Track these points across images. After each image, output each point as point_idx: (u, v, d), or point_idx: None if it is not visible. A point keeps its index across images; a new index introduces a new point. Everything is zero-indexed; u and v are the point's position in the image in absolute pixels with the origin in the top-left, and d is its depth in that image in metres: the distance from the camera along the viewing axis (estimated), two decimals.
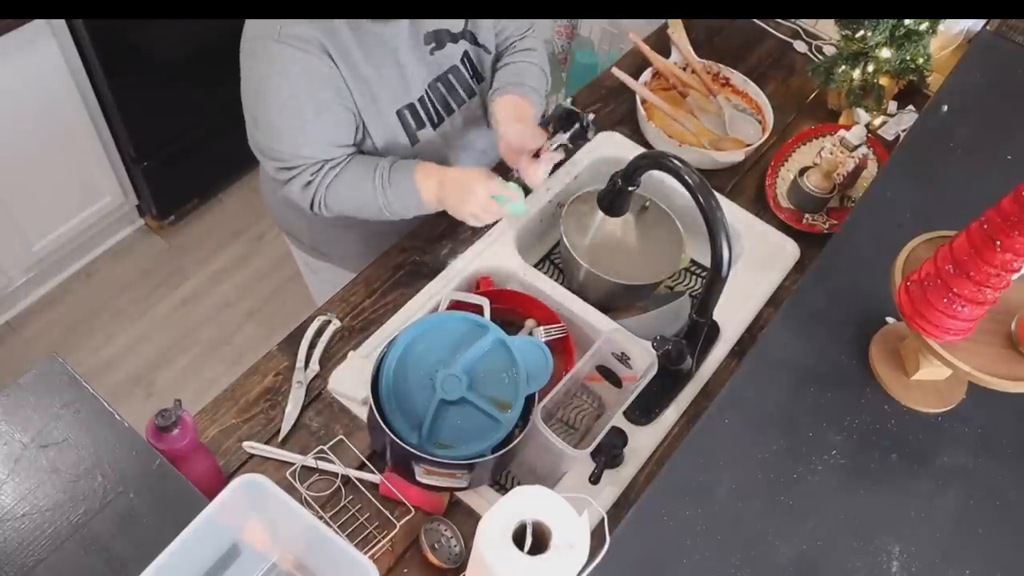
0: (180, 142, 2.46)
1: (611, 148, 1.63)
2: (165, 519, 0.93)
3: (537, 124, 1.33)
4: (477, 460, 1.05)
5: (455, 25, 1.36)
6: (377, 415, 1.05)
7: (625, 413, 1.23)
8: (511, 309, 1.37)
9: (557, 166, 1.52)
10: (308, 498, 1.14)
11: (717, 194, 1.09)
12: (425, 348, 1.08)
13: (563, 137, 1.27)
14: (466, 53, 1.39)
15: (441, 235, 1.46)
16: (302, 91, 1.21)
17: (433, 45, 1.32)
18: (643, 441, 1.25)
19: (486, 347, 1.07)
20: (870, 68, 1.65)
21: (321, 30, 1.20)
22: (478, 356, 1.06)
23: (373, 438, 1.18)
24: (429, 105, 1.36)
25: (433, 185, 1.29)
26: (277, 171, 1.31)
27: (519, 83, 1.40)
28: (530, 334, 1.34)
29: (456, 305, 1.26)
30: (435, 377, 1.05)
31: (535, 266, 1.50)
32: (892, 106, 1.75)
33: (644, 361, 1.20)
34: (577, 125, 1.26)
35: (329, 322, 1.32)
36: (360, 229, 1.48)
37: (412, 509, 1.14)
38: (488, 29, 1.41)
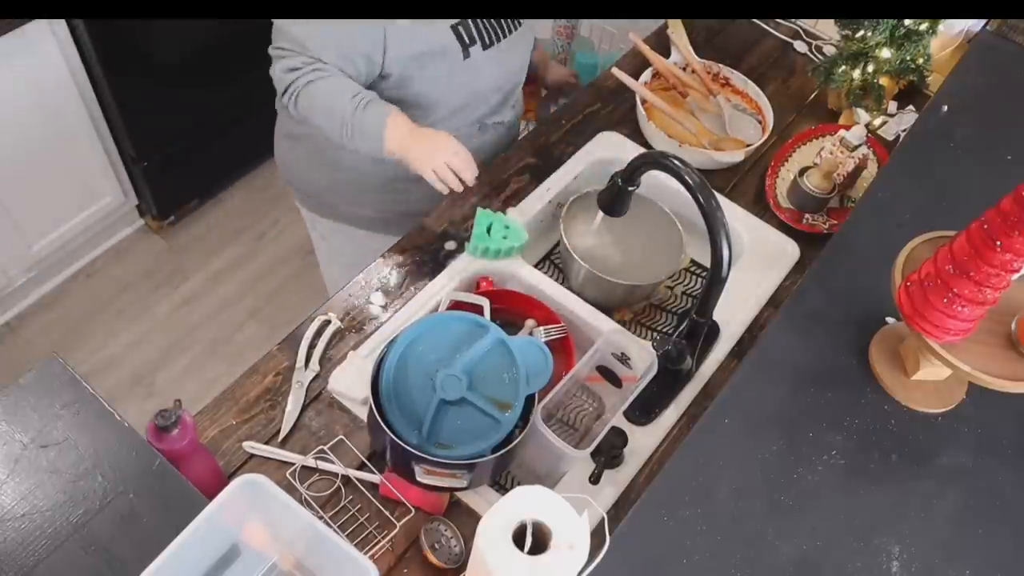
0: (180, 142, 2.46)
1: (611, 148, 1.63)
2: (165, 519, 0.93)
3: None
4: (477, 460, 1.05)
5: None
6: (377, 415, 1.04)
7: (625, 413, 1.23)
8: (511, 309, 1.37)
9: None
10: (308, 498, 1.14)
11: (717, 194, 1.09)
12: (425, 348, 1.07)
13: None
14: None
15: (442, 235, 1.46)
16: None
17: None
18: (643, 441, 1.25)
19: (486, 347, 1.07)
20: (870, 68, 1.65)
21: None
22: (478, 356, 1.06)
23: (373, 438, 1.18)
24: (482, 25, 1.42)
25: (403, 129, 1.36)
26: (273, 49, 1.35)
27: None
28: (530, 334, 1.34)
29: (456, 305, 1.26)
30: (435, 377, 1.05)
31: (535, 266, 1.50)
32: (892, 106, 1.74)
33: (644, 361, 1.20)
34: None
35: (329, 322, 1.32)
36: (377, 192, 1.54)
37: (412, 509, 1.14)
38: None
